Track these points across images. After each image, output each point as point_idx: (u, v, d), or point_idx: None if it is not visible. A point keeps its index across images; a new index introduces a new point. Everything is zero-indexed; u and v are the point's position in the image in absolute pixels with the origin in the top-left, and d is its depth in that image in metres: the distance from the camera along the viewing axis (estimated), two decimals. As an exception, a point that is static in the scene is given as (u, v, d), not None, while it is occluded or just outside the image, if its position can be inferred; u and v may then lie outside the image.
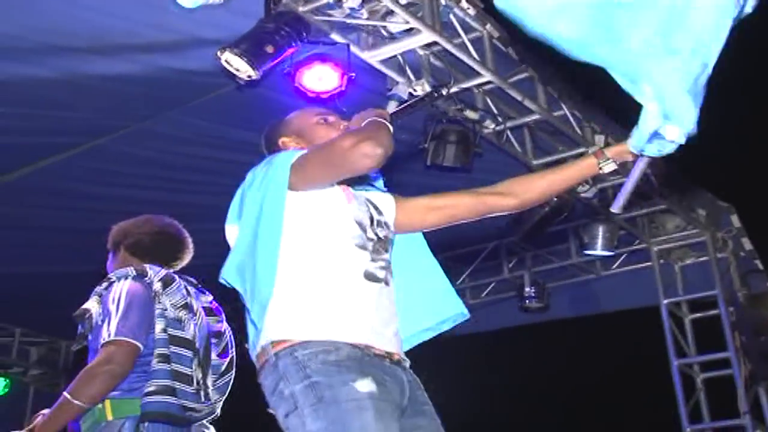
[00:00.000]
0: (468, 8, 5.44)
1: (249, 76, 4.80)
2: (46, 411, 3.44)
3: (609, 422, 9.26)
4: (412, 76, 5.51)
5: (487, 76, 5.59)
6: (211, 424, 3.59)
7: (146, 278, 3.46)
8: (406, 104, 2.79)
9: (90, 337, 3.39)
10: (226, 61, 4.74)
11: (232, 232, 2.61)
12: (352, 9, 4.99)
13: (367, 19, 5.07)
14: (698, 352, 8.23)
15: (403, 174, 6.69)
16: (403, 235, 2.86)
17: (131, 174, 6.35)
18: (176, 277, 3.56)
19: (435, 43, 5.30)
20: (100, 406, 3.31)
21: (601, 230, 7.57)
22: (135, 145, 5.95)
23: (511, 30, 5.66)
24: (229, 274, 2.49)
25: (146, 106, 5.64)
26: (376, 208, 2.74)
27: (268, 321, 2.44)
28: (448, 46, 5.30)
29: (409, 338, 2.77)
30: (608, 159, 2.72)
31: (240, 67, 4.75)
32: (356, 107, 5.48)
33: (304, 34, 4.82)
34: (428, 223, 2.89)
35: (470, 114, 5.89)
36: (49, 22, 4.70)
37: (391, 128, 2.56)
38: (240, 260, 2.50)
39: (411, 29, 5.14)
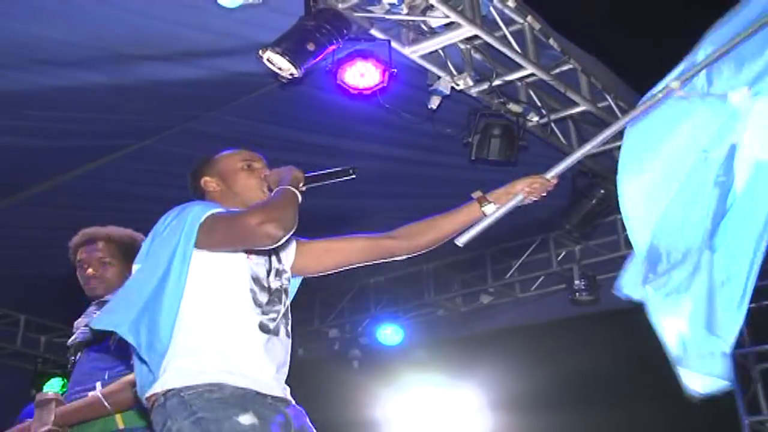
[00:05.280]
0: (508, 0, 5.40)
1: (291, 75, 4.82)
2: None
3: (664, 415, 9.13)
4: (453, 71, 5.50)
5: (529, 69, 5.56)
6: None
7: None
8: (323, 174, 2.89)
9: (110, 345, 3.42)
10: (268, 60, 4.77)
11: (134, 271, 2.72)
12: (392, 5, 5.00)
13: (407, 14, 5.07)
14: (754, 342, 8.08)
15: (447, 170, 6.68)
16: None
17: (177, 174, 6.39)
18: None
19: (476, 37, 5.28)
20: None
21: (649, 221, 7.47)
22: (180, 145, 6.02)
23: (552, 21, 5.62)
24: (122, 327, 2.54)
25: (191, 106, 5.71)
26: (277, 257, 2.86)
27: (167, 371, 2.54)
28: (489, 40, 5.27)
29: None
30: (489, 203, 3.01)
31: (282, 65, 4.77)
32: (399, 103, 5.54)
33: (345, 31, 4.83)
34: (324, 266, 3.03)
35: (514, 107, 5.85)
36: (93, 27, 4.78)
37: (299, 198, 2.69)
38: (138, 312, 2.55)
39: (451, 23, 5.12)
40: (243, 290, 2.67)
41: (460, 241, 3.00)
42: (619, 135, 3.04)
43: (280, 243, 2.55)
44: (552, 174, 3.05)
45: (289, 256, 2.93)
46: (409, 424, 9.90)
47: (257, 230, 2.50)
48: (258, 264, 2.75)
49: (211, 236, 2.60)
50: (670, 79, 2.87)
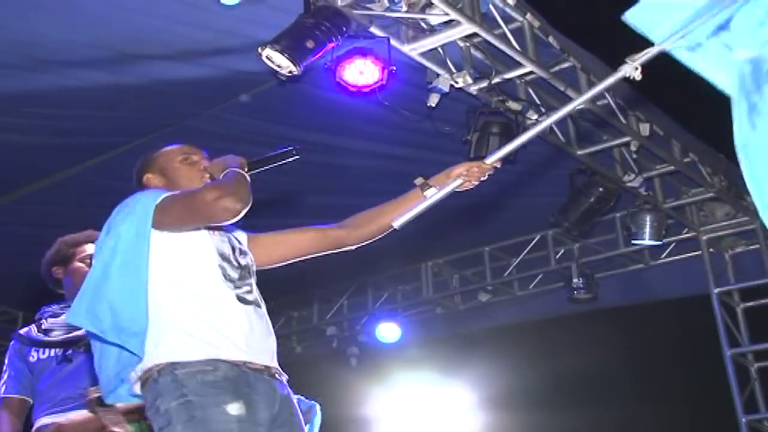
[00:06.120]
0: (507, -2, 5.40)
1: (290, 72, 4.82)
2: None
3: (661, 413, 9.16)
4: (453, 68, 5.49)
5: (528, 67, 5.55)
6: None
7: None
8: (265, 158, 2.95)
9: None
10: (267, 57, 4.77)
11: None
12: (391, 2, 4.99)
13: (407, 11, 5.06)
14: (751, 341, 8.08)
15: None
16: None
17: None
18: None
19: (475, 35, 5.27)
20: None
21: (648, 220, 7.47)
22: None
23: (551, 19, 5.61)
24: (77, 318, 2.60)
25: (190, 104, 5.70)
26: (236, 238, 2.92)
27: (150, 346, 2.57)
28: (489, 37, 5.27)
29: None
30: (430, 187, 3.08)
31: (281, 63, 4.77)
32: (398, 100, 5.53)
33: (344, 28, 4.83)
34: (275, 258, 3.08)
35: (512, 105, 5.84)
36: (93, 25, 4.78)
37: (248, 179, 2.75)
38: (89, 301, 2.60)
39: (451, 21, 5.12)
40: (213, 266, 2.73)
41: (397, 223, 3.07)
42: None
43: (238, 217, 2.60)
44: (491, 159, 3.08)
45: (244, 243, 2.99)
46: (408, 422, 9.92)
47: (214, 205, 2.56)
48: (222, 241, 2.81)
49: (169, 215, 2.65)
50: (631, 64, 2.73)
